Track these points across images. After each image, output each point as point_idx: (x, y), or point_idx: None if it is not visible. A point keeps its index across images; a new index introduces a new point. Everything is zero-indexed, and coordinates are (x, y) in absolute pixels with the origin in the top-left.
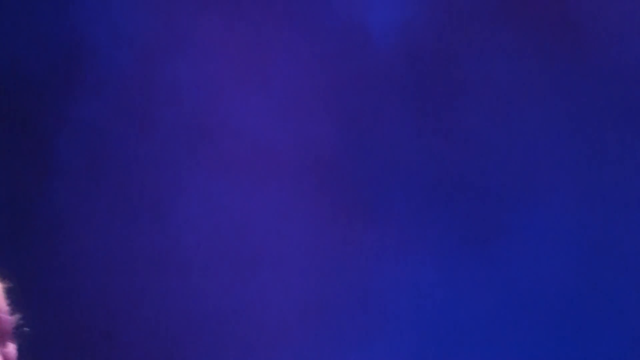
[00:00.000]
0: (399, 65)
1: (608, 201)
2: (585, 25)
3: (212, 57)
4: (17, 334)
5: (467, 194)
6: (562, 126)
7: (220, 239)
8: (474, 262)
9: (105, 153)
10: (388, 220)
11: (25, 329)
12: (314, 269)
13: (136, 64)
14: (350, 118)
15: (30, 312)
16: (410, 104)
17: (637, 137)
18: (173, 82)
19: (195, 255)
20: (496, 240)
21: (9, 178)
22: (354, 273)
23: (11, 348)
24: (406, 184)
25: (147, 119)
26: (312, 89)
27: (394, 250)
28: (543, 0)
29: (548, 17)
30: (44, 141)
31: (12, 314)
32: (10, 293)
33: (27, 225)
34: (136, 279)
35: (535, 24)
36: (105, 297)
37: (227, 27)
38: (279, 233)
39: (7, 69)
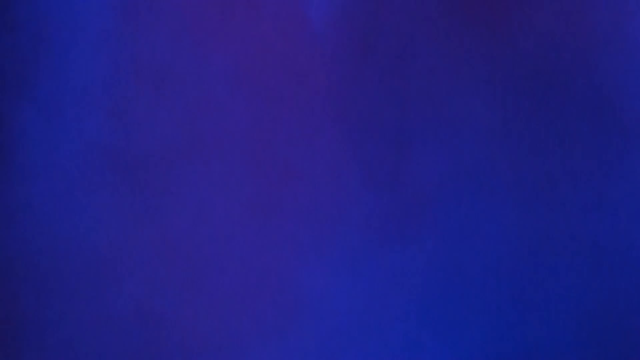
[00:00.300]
0: (334, 50)
1: (540, 196)
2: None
3: (166, 34)
4: None
5: (393, 188)
6: (495, 118)
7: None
8: (395, 258)
9: (66, 133)
10: (308, 213)
11: None
12: (231, 264)
13: (99, 41)
14: (278, 105)
15: None
16: (339, 92)
17: (570, 130)
18: (134, 62)
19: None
20: (420, 236)
21: None
22: (273, 267)
23: None
24: (331, 177)
25: (109, 98)
26: (245, 72)
27: (314, 245)
28: None
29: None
30: (2, 120)
31: None
32: None
33: None
34: (89, 260)
35: (474, 16)
36: (55, 286)
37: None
38: (197, 226)
39: None
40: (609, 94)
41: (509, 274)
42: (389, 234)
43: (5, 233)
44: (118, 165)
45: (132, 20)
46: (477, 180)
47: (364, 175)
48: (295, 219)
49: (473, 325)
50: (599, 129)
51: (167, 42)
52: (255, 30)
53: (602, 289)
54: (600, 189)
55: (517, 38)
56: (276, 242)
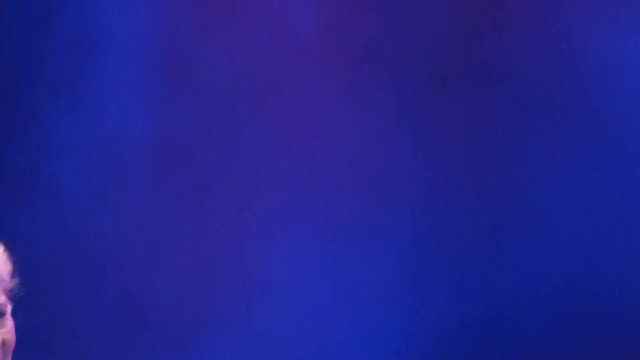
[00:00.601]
0: (317, 60)
1: (500, 186)
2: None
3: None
4: (14, 297)
5: (357, 188)
6: (458, 120)
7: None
8: (354, 249)
9: (100, 130)
10: (278, 210)
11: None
12: (205, 254)
13: (131, 45)
14: (259, 109)
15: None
16: (315, 97)
17: (524, 130)
18: (159, 63)
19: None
20: (379, 229)
21: (8, 147)
22: (239, 256)
23: (9, 308)
24: (303, 177)
25: (137, 94)
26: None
27: (273, 237)
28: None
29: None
30: (42, 114)
31: (12, 278)
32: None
33: (24, 193)
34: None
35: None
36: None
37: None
38: (172, 221)
39: (8, 45)
40: (559, 94)
41: (466, 256)
42: (348, 227)
43: (41, 222)
44: (140, 159)
45: (157, 28)
46: (435, 175)
47: (332, 176)
48: (266, 215)
49: (430, 304)
50: (551, 126)
51: (186, 47)
52: (250, 40)
53: (561, 265)
54: (554, 174)
55: (487, 50)
56: (246, 235)
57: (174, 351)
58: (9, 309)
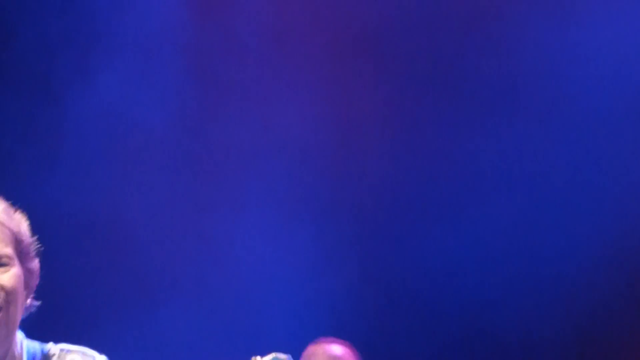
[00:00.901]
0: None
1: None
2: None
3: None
4: (37, 253)
5: (304, 178)
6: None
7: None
8: (300, 230)
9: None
10: (239, 196)
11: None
12: (180, 225)
13: (143, 38)
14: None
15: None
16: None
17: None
18: (170, 52)
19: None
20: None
21: (27, 124)
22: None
23: (35, 263)
24: (258, 169)
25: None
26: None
27: (238, 213)
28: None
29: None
30: (58, 96)
31: (32, 236)
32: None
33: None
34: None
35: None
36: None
37: None
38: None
39: (32, 34)
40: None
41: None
42: (297, 212)
43: (53, 193)
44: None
45: (159, 24)
46: (393, 152)
47: (282, 168)
48: (233, 193)
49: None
50: (505, 108)
51: (185, 40)
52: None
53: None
54: (504, 147)
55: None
56: (215, 210)
57: (149, 310)
58: (16, 260)
